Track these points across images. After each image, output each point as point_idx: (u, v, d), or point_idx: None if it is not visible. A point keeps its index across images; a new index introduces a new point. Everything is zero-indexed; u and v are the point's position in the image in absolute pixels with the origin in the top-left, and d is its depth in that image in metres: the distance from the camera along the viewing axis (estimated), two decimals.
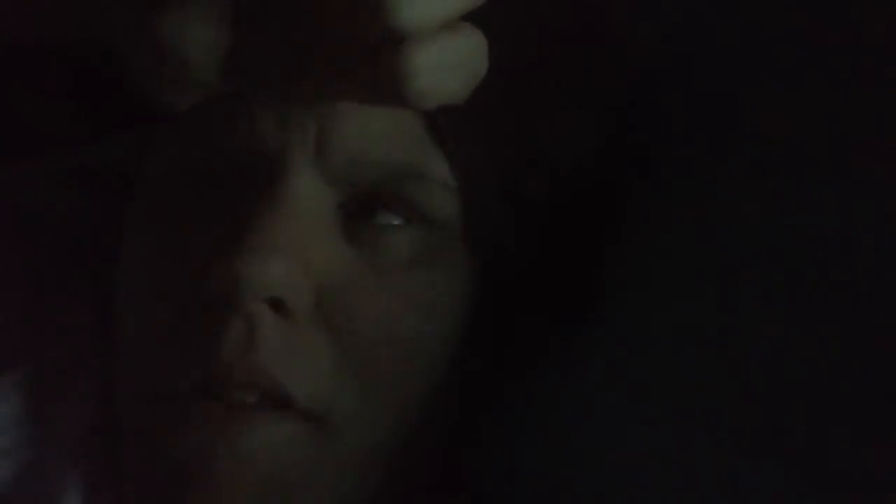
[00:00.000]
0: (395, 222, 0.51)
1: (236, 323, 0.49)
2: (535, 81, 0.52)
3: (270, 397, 0.49)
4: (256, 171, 0.50)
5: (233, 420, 0.49)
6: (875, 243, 0.48)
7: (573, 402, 0.52)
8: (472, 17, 0.48)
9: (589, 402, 0.51)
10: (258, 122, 0.50)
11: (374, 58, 0.44)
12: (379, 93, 0.46)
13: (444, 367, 0.52)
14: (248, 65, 0.49)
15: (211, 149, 0.51)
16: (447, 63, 0.45)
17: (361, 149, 0.50)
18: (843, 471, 0.46)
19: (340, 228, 0.51)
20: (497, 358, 0.54)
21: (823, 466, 0.46)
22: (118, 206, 0.56)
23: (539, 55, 0.52)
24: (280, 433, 0.50)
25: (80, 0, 0.52)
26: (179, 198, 0.52)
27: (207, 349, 0.49)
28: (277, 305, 0.49)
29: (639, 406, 0.50)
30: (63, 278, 0.58)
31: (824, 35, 0.53)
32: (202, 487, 0.49)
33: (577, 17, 0.55)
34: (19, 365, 0.55)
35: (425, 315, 0.51)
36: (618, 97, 0.55)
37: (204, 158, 0.51)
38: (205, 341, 0.49)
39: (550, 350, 0.53)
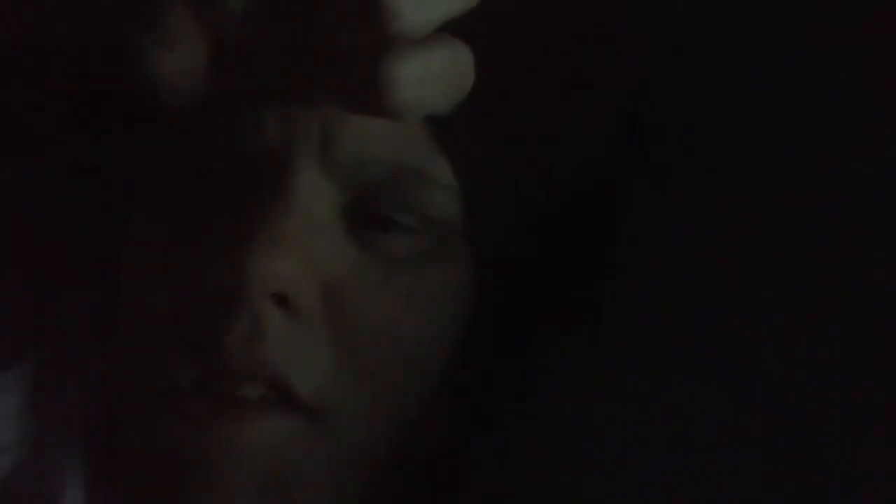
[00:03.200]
0: (398, 222, 0.51)
1: (241, 317, 0.49)
2: (535, 82, 0.52)
3: (272, 390, 0.50)
4: (261, 169, 0.50)
5: (233, 414, 0.50)
6: (875, 242, 0.48)
7: (574, 401, 0.52)
8: (471, 18, 0.48)
9: (590, 401, 0.51)
10: (262, 122, 0.50)
11: (355, 67, 0.44)
12: (358, 102, 0.45)
13: (445, 365, 0.53)
14: (248, 66, 0.49)
15: (216, 148, 0.51)
16: (428, 75, 0.44)
17: (365, 149, 0.50)
18: (846, 471, 0.46)
19: (344, 227, 0.51)
20: (498, 357, 0.54)
21: (826, 467, 0.46)
22: (119, 202, 0.56)
23: (539, 56, 0.53)
24: (280, 428, 0.50)
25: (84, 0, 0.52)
26: (185, 195, 0.52)
27: (212, 343, 0.49)
28: (282, 301, 0.49)
29: (640, 406, 0.50)
30: (64, 275, 0.58)
31: (824, 34, 0.53)
32: (201, 481, 0.50)
33: (576, 18, 0.55)
34: (19, 360, 0.56)
35: (427, 314, 0.52)
36: (618, 98, 0.55)
37: (209, 157, 0.52)
38: (211, 335, 0.50)
39: (551, 349, 0.53)
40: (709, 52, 0.55)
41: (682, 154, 0.54)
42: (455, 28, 0.45)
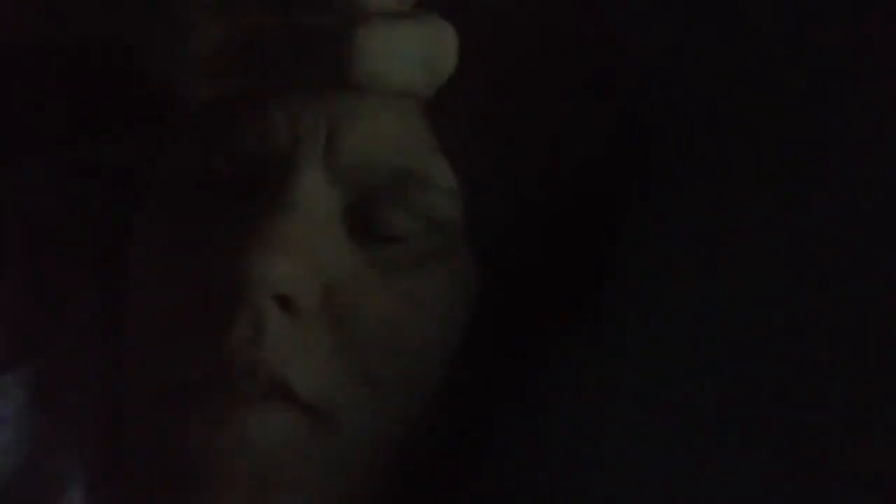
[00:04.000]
0: (399, 224, 0.51)
1: (243, 318, 0.49)
2: (535, 83, 0.52)
3: (273, 390, 0.50)
4: (266, 170, 0.51)
5: (235, 410, 0.50)
6: (876, 242, 0.48)
7: (574, 401, 0.52)
8: (473, 18, 0.48)
9: (590, 401, 0.51)
10: (268, 122, 0.50)
11: (330, 38, 0.44)
12: (331, 74, 0.45)
13: (446, 367, 0.53)
14: (253, 55, 0.49)
15: (221, 148, 0.51)
16: (402, 49, 0.44)
17: (369, 151, 0.50)
18: (845, 471, 0.46)
19: (347, 229, 0.51)
20: (499, 357, 0.54)
21: (826, 470, 0.46)
22: (124, 203, 0.56)
23: (539, 56, 0.53)
24: (280, 423, 0.50)
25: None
26: (190, 196, 0.52)
27: (215, 343, 0.50)
28: (284, 302, 0.50)
29: (641, 406, 0.50)
30: (65, 276, 0.58)
31: (824, 34, 0.53)
32: (202, 479, 0.50)
33: (577, 18, 0.55)
34: (23, 361, 0.56)
35: (428, 316, 0.52)
36: (618, 98, 0.55)
37: (214, 157, 0.52)
38: (213, 335, 0.50)
39: (551, 349, 0.53)
40: (709, 52, 0.55)
41: (682, 154, 0.54)
42: (456, 27, 0.46)
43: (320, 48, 0.45)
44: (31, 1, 0.55)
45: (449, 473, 0.54)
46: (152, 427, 0.52)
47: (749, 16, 0.55)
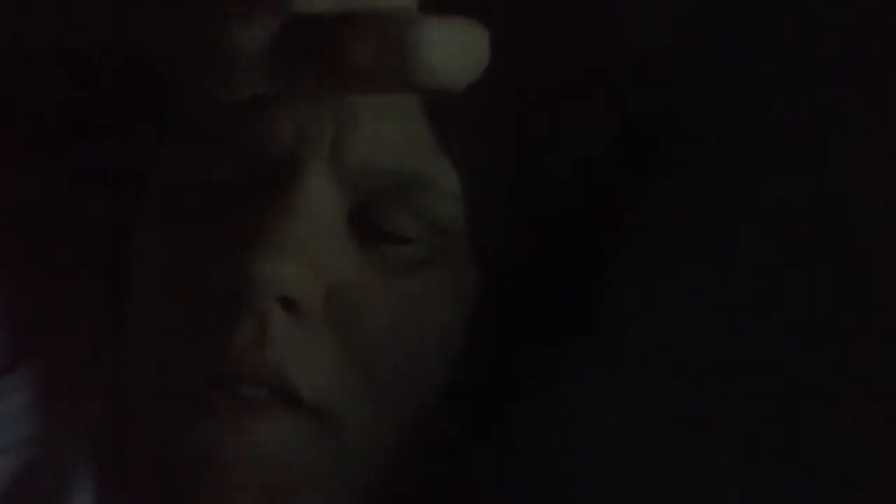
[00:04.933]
0: (403, 228, 0.51)
1: (247, 320, 0.49)
2: (536, 84, 0.52)
3: (278, 393, 0.50)
4: (270, 172, 0.50)
5: (240, 414, 0.50)
6: (879, 242, 0.48)
7: (574, 402, 0.52)
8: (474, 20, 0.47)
9: (590, 402, 0.52)
10: (273, 123, 0.50)
11: (381, 39, 0.43)
12: (385, 75, 0.44)
13: (448, 368, 0.53)
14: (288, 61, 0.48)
15: (224, 149, 0.51)
16: (454, 42, 0.44)
17: (374, 155, 0.50)
18: (845, 471, 0.46)
19: (350, 232, 0.51)
20: (500, 360, 0.54)
21: (823, 471, 0.46)
22: (128, 204, 0.56)
23: (540, 57, 0.53)
24: (286, 429, 0.50)
25: (122, 2, 0.51)
26: (193, 197, 0.52)
27: (218, 345, 0.50)
28: (288, 305, 0.50)
29: (641, 406, 0.50)
30: (74, 275, 0.58)
31: (827, 35, 0.53)
32: (209, 480, 0.50)
33: (578, 17, 0.55)
34: (24, 361, 0.56)
35: (430, 319, 0.52)
36: (618, 98, 0.55)
37: (217, 158, 0.52)
38: (216, 337, 0.50)
39: (553, 351, 0.53)
40: (709, 51, 0.55)
41: (682, 154, 0.54)
42: None
43: (372, 44, 0.44)
44: (35, 3, 0.55)
45: (450, 473, 0.54)
46: (155, 430, 0.52)
47: (752, 15, 0.55)
